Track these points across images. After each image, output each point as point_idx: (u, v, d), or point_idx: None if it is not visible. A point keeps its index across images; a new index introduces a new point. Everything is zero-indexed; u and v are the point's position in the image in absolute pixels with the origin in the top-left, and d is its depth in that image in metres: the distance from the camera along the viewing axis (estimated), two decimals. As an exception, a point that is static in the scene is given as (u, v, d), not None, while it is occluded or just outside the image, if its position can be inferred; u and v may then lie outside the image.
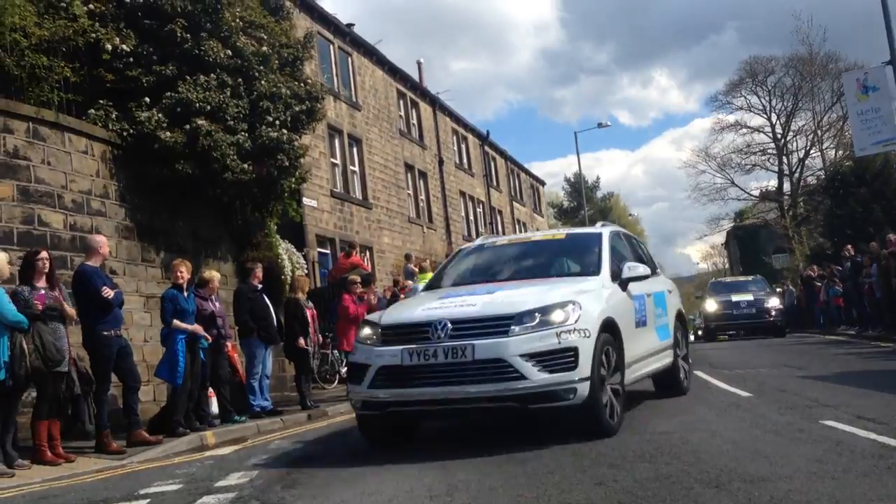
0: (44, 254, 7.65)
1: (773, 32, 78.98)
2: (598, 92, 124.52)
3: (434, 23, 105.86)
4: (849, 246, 20.98)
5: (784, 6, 78.51)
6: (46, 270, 7.56)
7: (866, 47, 61.57)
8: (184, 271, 9.16)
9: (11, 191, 9.11)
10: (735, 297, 23.12)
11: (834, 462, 4.74)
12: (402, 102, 27.32)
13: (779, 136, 46.19)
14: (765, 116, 46.28)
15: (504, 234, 37.12)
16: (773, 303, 22.93)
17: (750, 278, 27.55)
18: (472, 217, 33.06)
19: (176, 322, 8.85)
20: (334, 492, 5.09)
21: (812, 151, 45.70)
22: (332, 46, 22.34)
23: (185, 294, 9.10)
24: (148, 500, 5.39)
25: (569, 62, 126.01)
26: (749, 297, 23.06)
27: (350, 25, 23.67)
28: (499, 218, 36.91)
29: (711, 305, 23.81)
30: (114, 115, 10.76)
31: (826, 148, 45.14)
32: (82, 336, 8.19)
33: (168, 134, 10.60)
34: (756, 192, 48.44)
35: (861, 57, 42.31)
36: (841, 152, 42.85)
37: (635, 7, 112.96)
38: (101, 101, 10.79)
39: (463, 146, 33.56)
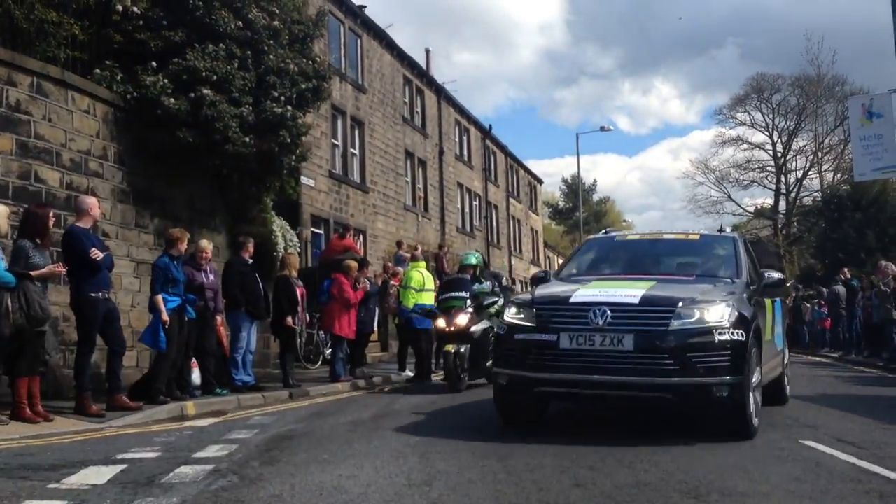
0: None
1: (773, 51, 79.20)
2: (598, 96, 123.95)
3: (440, 12, 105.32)
4: (845, 269, 21.07)
5: (784, 27, 78.84)
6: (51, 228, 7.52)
7: (869, 76, 61.81)
8: (186, 244, 9.13)
9: (10, 144, 9.03)
10: (588, 292, 6.51)
11: (812, 482, 4.76)
12: (407, 89, 27.23)
13: (779, 154, 46.43)
14: (767, 134, 46.55)
15: (498, 229, 37.12)
16: (716, 315, 6.17)
17: (696, 236, 8.77)
18: (467, 209, 33.03)
19: (158, 299, 8.78)
20: (312, 473, 5.08)
21: (811, 172, 46.04)
22: (342, 27, 22.23)
23: (176, 263, 9.05)
24: (125, 466, 5.35)
25: (572, 64, 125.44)
26: (634, 291, 6.39)
27: (362, 7, 23.55)
28: (494, 213, 36.90)
29: (506, 317, 6.90)
30: (119, 77, 10.68)
31: (825, 170, 45.47)
32: (70, 297, 8.15)
33: (172, 100, 10.53)
34: (751, 208, 48.73)
35: (862, 84, 42.32)
36: (839, 175, 43.12)
37: (642, 15, 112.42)
38: (108, 62, 10.72)
39: (464, 138, 33.51)
